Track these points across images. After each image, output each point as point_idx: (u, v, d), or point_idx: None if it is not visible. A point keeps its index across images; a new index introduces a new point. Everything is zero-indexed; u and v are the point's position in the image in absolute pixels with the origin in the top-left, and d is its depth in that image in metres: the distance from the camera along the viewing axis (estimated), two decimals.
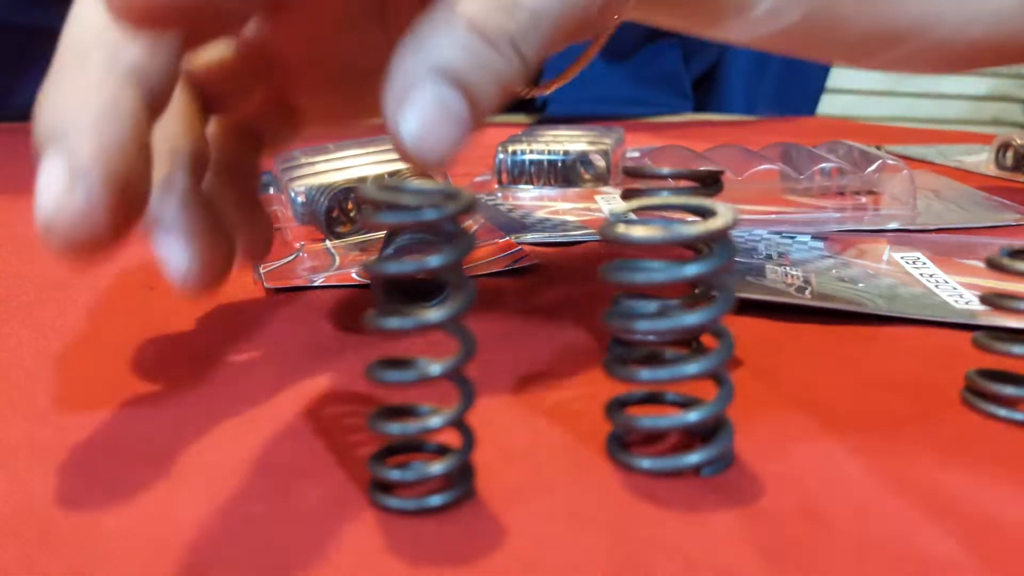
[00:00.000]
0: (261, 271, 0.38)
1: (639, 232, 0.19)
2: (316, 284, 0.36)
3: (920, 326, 0.31)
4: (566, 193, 0.54)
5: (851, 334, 0.31)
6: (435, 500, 0.19)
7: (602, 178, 0.55)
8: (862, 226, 0.46)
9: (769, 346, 0.29)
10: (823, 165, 0.51)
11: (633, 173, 0.27)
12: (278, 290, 0.36)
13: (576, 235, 0.44)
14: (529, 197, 0.54)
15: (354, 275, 0.37)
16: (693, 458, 0.21)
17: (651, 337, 0.23)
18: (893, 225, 0.47)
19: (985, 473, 0.21)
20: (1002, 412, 0.24)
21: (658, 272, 0.19)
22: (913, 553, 0.18)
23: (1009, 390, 0.24)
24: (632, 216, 0.22)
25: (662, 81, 1.20)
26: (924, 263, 0.39)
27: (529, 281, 0.37)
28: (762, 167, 0.51)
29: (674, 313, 0.20)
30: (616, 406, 0.22)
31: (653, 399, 0.23)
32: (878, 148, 0.61)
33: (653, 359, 0.22)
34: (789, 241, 0.42)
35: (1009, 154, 0.68)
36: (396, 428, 0.20)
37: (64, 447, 0.23)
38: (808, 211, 0.49)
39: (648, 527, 0.19)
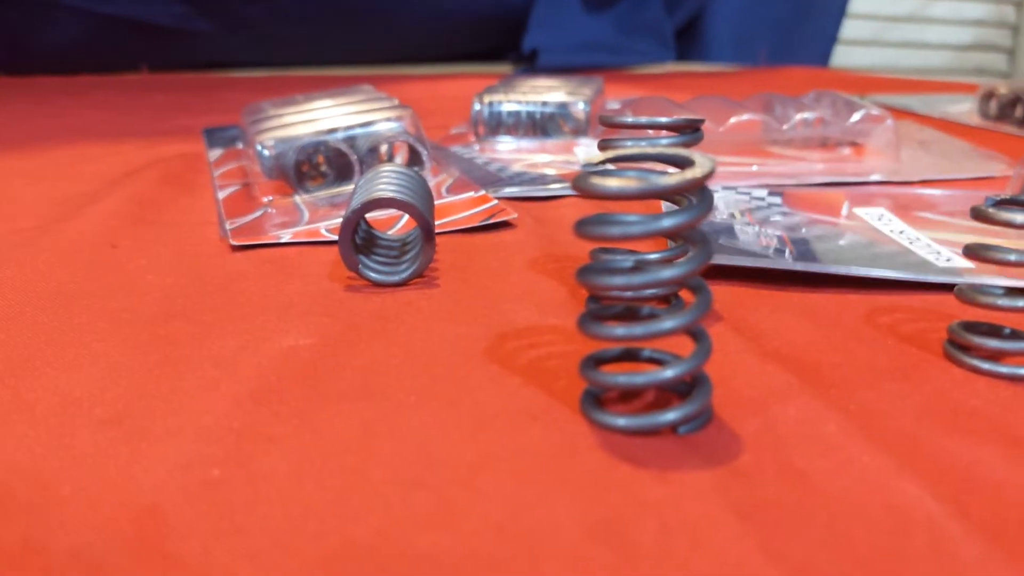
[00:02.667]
0: (227, 227, 0.37)
1: (614, 184, 0.18)
2: (284, 240, 0.35)
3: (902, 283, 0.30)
4: (544, 145, 0.53)
5: (831, 290, 0.30)
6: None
7: (581, 129, 0.54)
8: (845, 178, 0.46)
9: (748, 302, 0.29)
10: (806, 115, 0.50)
11: (610, 123, 0.26)
12: (244, 247, 0.35)
13: (555, 189, 0.43)
14: (507, 149, 0.53)
15: (323, 231, 0.36)
16: (670, 416, 0.20)
17: (628, 293, 0.22)
18: (876, 176, 0.46)
19: (966, 428, 0.21)
20: (985, 365, 0.24)
21: (634, 225, 0.18)
22: (891, 509, 0.18)
23: (992, 343, 0.24)
24: (608, 167, 0.21)
25: (644, 30, 1.19)
26: (890, 219, 0.38)
27: (506, 236, 0.36)
28: (744, 117, 0.50)
29: (650, 268, 0.19)
30: (591, 363, 0.21)
31: (629, 356, 0.22)
32: (862, 98, 0.60)
33: (629, 315, 0.22)
34: (745, 197, 0.41)
35: (993, 103, 0.67)
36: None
37: (21, 410, 0.22)
38: (791, 162, 0.48)
39: (623, 487, 0.18)
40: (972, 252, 0.24)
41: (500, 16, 1.16)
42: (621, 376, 0.21)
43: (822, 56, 1.34)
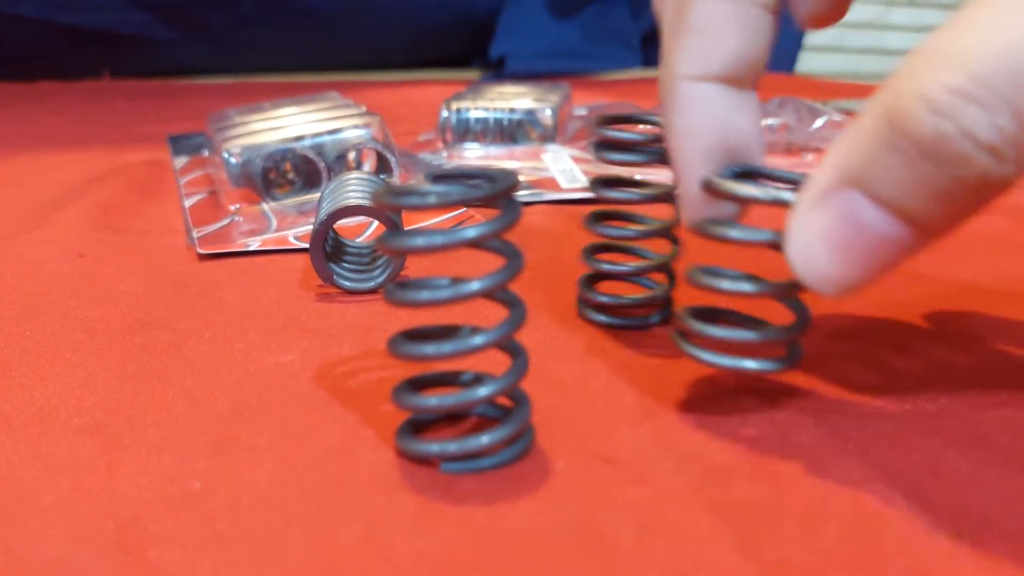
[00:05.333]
0: (194, 235, 0.36)
1: (409, 199, 0.18)
2: (252, 248, 0.35)
3: None
4: (512, 151, 0.53)
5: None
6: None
7: (549, 136, 0.54)
8: None
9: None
10: (770, 121, 0.51)
11: (609, 139, 0.25)
12: (212, 255, 0.34)
13: (523, 195, 0.43)
14: (475, 156, 0.53)
15: (292, 238, 0.36)
16: (484, 439, 0.19)
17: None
18: None
19: (933, 427, 0.21)
20: (706, 356, 0.21)
21: (437, 237, 0.18)
22: (859, 505, 0.18)
23: (713, 331, 0.21)
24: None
25: (611, 36, 1.20)
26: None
27: None
28: None
29: (460, 282, 0.19)
30: (406, 388, 0.20)
31: (446, 380, 0.21)
32: (824, 104, 0.61)
33: (446, 335, 0.21)
34: None
35: None
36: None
37: None
38: None
39: (600, 489, 0.19)
40: (698, 228, 0.22)
41: (467, 22, 1.16)
42: (432, 398, 0.20)
43: (787, 62, 1.36)
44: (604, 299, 0.27)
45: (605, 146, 0.26)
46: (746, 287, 0.20)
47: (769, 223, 0.20)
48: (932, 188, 0.16)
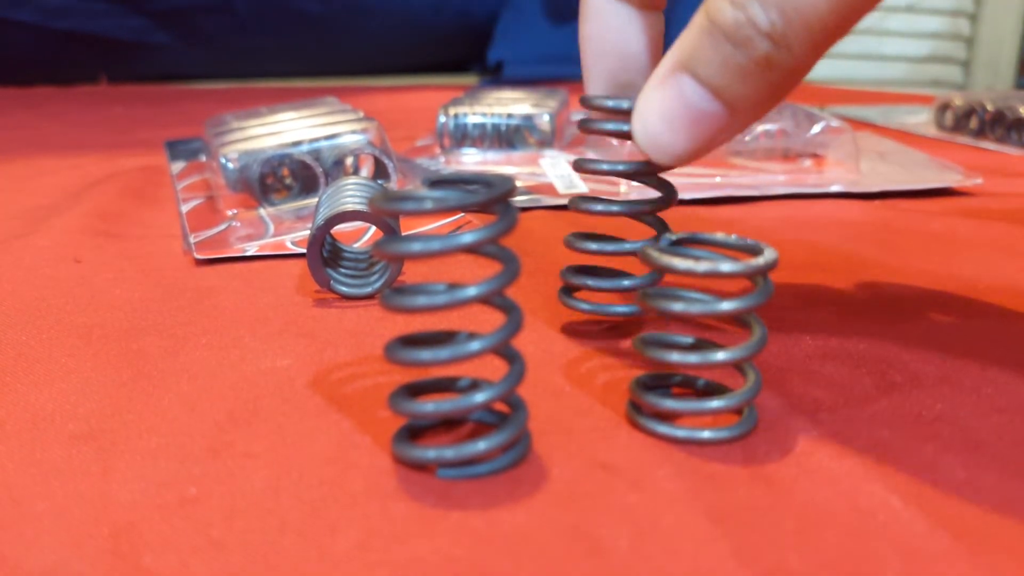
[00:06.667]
0: (191, 240, 0.36)
1: (406, 204, 0.18)
2: (249, 254, 0.35)
3: None
4: (510, 157, 0.53)
5: (799, 306, 0.31)
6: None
7: (547, 141, 0.54)
8: (805, 189, 0.46)
9: None
10: (767, 127, 0.51)
11: (591, 104, 0.25)
12: (209, 260, 0.34)
13: (521, 201, 0.43)
14: (472, 162, 0.53)
15: (289, 244, 0.36)
16: (481, 445, 0.19)
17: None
18: (836, 187, 0.47)
19: (928, 433, 0.21)
20: (661, 428, 0.21)
21: (433, 242, 0.18)
22: (856, 510, 0.18)
23: (668, 404, 0.21)
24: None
25: None
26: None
27: None
28: None
29: (456, 288, 0.19)
30: (403, 394, 0.20)
31: (443, 386, 0.21)
32: (822, 109, 0.61)
33: (440, 340, 0.21)
34: None
35: (948, 115, 0.68)
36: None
37: None
38: (753, 174, 0.49)
39: (597, 494, 0.19)
40: (648, 304, 0.21)
41: (465, 28, 1.17)
42: (429, 404, 0.20)
43: None
44: (590, 282, 0.26)
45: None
46: (693, 359, 0.20)
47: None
48: (734, 67, 0.19)
